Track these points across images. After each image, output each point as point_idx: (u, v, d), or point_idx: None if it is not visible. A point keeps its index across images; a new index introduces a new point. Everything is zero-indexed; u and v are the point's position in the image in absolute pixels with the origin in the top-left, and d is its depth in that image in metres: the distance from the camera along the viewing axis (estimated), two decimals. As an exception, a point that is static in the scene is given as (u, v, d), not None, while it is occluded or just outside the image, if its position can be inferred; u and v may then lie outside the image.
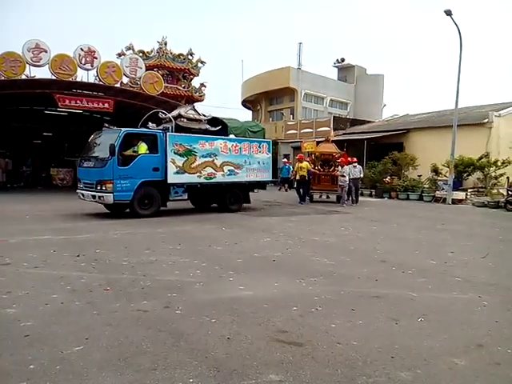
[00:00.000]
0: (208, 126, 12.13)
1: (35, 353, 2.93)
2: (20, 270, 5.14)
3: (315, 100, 37.45)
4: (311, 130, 29.18)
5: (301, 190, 15.58)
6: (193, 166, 10.93)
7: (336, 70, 41.47)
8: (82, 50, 18.07)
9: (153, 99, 19.32)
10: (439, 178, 18.86)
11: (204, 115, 12.43)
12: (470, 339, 3.34)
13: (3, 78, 16.97)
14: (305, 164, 15.59)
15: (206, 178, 11.23)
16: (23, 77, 17.27)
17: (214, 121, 12.60)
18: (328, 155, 16.52)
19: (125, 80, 21.43)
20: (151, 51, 27.33)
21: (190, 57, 28.60)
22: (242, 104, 43.05)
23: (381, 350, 3.09)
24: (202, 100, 30.08)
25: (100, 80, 18.76)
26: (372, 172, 20.90)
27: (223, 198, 11.96)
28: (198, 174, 11.06)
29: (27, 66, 17.20)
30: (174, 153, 10.54)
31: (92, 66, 18.39)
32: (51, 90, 17.15)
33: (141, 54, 25.41)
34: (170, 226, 9.05)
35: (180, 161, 10.67)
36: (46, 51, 17.30)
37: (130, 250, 6.46)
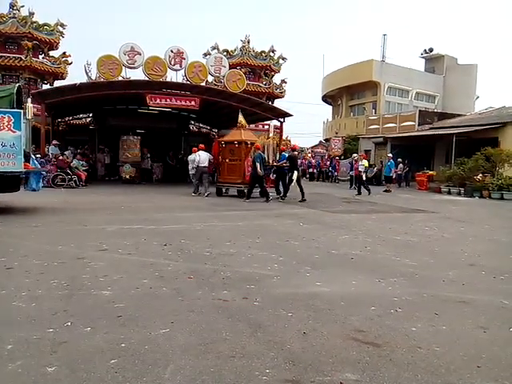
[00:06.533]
0: None
1: (126, 332, 3.18)
2: (115, 256, 5.62)
3: (399, 93, 35.82)
4: (395, 125, 27.98)
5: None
6: None
7: (423, 60, 39.25)
8: (171, 51, 19.16)
9: (235, 96, 19.88)
10: (542, 177, 17.06)
11: None
12: None
13: (102, 79, 18.57)
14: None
15: None
16: (119, 78, 18.73)
17: None
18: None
19: (209, 78, 22.33)
20: (235, 50, 28.17)
21: (271, 54, 28.97)
22: (323, 99, 42.58)
23: (466, 358, 2.92)
24: (283, 96, 30.29)
25: (187, 79, 19.75)
26: (461, 169, 19.48)
27: None
28: None
29: (123, 68, 18.62)
30: None
31: (181, 67, 19.42)
32: (144, 90, 18.40)
33: (225, 53, 26.33)
34: (250, 220, 9.29)
35: None
36: (139, 54, 18.60)
37: (212, 241, 6.75)
